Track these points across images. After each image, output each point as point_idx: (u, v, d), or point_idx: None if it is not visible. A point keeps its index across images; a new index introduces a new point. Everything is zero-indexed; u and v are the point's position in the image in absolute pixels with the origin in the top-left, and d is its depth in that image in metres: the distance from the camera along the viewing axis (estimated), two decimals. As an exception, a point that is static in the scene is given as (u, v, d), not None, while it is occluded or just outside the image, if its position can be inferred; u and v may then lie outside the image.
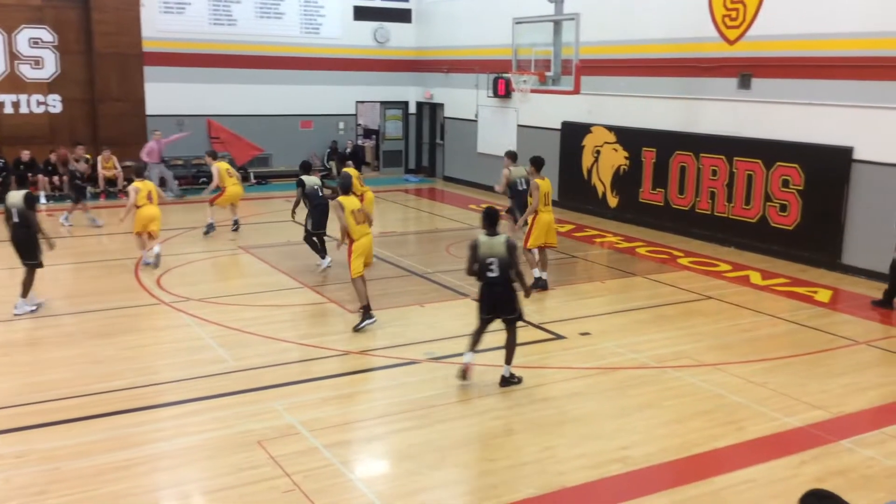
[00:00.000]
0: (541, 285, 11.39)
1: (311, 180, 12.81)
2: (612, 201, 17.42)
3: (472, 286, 11.70)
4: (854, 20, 12.57)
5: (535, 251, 11.62)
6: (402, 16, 23.82)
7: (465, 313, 10.63)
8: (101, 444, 6.66)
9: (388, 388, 8.11)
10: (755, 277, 12.69)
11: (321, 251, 12.70)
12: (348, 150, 22.84)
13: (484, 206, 8.42)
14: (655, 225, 16.22)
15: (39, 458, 6.44)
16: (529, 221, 11.47)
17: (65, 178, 18.20)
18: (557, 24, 14.58)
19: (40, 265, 10.36)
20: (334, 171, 22.68)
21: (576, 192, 18.22)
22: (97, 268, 12.57)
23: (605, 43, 16.76)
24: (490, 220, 7.99)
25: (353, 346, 9.24)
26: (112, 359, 8.69)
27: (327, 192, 12.77)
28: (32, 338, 9.43)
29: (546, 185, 11.51)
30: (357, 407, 7.63)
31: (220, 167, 15.12)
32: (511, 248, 7.84)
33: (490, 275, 7.85)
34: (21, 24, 19.09)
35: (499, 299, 7.93)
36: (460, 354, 8.86)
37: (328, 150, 23.00)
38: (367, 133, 25.60)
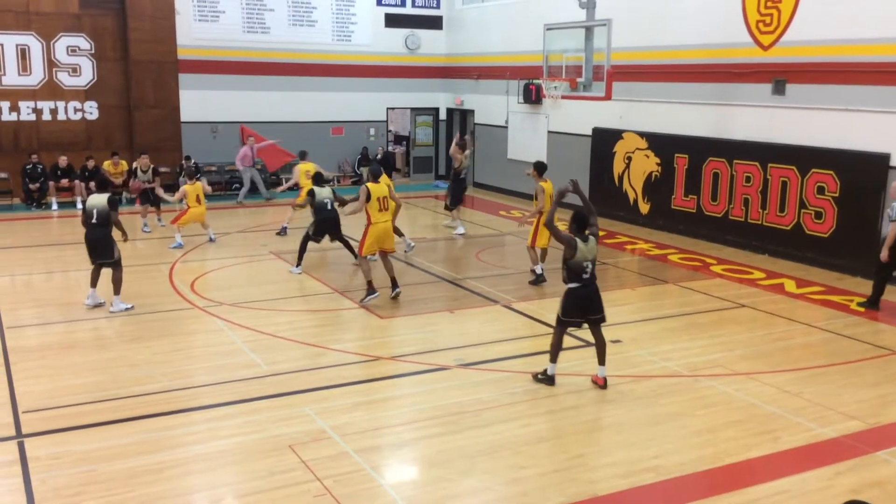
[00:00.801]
0: (542, 280, 12.17)
1: (323, 192, 12.87)
2: (644, 208, 17.31)
3: (503, 292, 11.78)
4: (891, 25, 12.38)
5: (539, 250, 12.36)
6: (433, 23, 23.91)
7: (495, 319, 10.65)
8: (136, 447, 6.75)
9: (418, 393, 8.12)
10: (790, 285, 12.53)
11: (300, 259, 12.88)
12: (378, 156, 22.94)
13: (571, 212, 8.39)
14: (688, 232, 16.09)
15: (75, 459, 6.53)
16: (535, 221, 12.21)
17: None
18: (589, 30, 14.53)
19: (117, 262, 10.68)
20: (365, 177, 22.80)
21: (607, 198, 18.12)
22: (132, 272, 12.69)
23: (638, 49, 16.68)
24: (582, 224, 8.05)
25: (384, 351, 9.27)
26: (146, 362, 8.81)
27: (338, 206, 12.79)
28: (68, 341, 9.58)
29: (550, 187, 11.99)
30: (387, 412, 7.65)
31: (301, 168, 15.62)
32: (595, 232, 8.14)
33: (585, 276, 7.93)
34: (59, 33, 19.46)
35: (592, 301, 8.03)
36: (490, 361, 8.90)
37: (359, 157, 23.13)
38: (398, 139, 25.71)
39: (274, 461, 6.52)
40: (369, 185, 10.74)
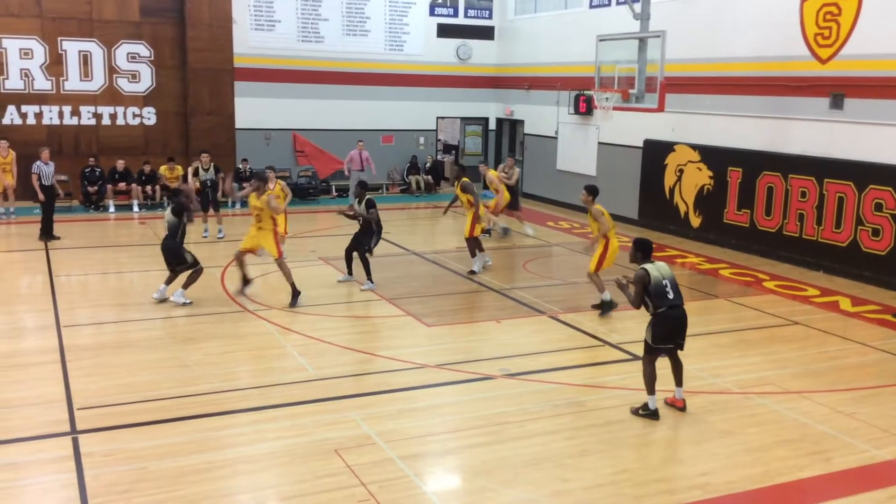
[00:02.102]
0: (613, 306, 11.23)
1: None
2: (695, 221, 17.09)
3: (549, 303, 11.73)
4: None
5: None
6: (485, 33, 23.98)
7: (541, 330, 10.61)
8: (185, 446, 6.88)
9: (463, 402, 8.13)
10: (845, 303, 12.25)
11: (348, 268, 12.74)
12: (428, 164, 23.07)
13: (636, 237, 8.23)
14: (740, 246, 15.84)
15: (127, 457, 6.68)
16: (600, 247, 11.12)
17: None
18: (642, 42, 14.44)
19: (189, 266, 11.32)
20: (414, 185, 22.93)
21: (657, 211, 17.95)
22: (184, 275, 12.95)
23: (691, 60, 16.51)
24: (647, 251, 7.87)
25: (430, 359, 9.30)
26: (197, 363, 8.97)
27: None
28: (123, 340, 9.80)
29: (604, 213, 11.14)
30: (432, 420, 7.66)
31: (495, 174, 16.47)
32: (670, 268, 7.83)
33: (669, 297, 7.57)
34: (120, 40, 19.99)
35: (681, 323, 7.66)
36: (536, 372, 8.87)
37: (408, 165, 23.27)
38: (447, 148, 25.79)
39: (319, 465, 6.58)
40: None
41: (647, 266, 7.67)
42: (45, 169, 15.96)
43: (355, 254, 12.48)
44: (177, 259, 11.32)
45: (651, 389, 7.69)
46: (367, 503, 6.00)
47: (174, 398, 7.94)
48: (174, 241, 11.27)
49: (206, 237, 16.04)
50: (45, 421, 7.36)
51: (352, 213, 12.68)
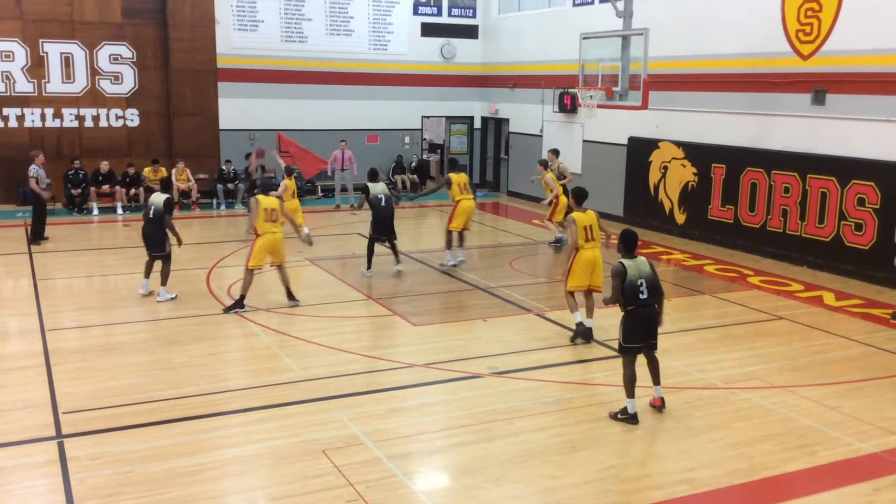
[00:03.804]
0: (581, 332, 9.91)
1: (377, 188, 12.97)
2: (680, 218, 17.17)
3: (536, 301, 11.75)
4: (935, 34, 12.19)
5: (578, 294, 10.06)
6: (469, 32, 23.99)
7: (529, 328, 10.63)
8: (172, 449, 6.85)
9: (451, 401, 8.13)
10: (828, 298, 12.34)
11: (394, 255, 13.34)
12: (413, 164, 23.06)
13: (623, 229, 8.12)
14: (724, 242, 15.92)
15: (113, 460, 6.64)
16: (570, 260, 9.99)
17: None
18: (626, 40, 14.48)
19: (167, 257, 11.58)
20: (399, 184, 22.92)
21: (642, 208, 18.02)
22: (170, 277, 12.90)
23: (675, 58, 16.58)
24: (630, 244, 7.76)
25: (417, 359, 9.30)
26: (184, 366, 8.93)
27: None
28: (108, 343, 9.74)
29: (586, 217, 9.99)
30: (420, 419, 7.66)
31: (551, 175, 15.52)
32: (652, 265, 7.71)
33: (642, 297, 7.51)
34: (102, 41, 19.85)
35: (651, 322, 7.59)
36: (523, 369, 8.88)
37: (393, 165, 23.26)
38: (432, 147, 25.80)
39: (307, 466, 6.57)
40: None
41: (626, 262, 7.61)
42: (41, 172, 15.90)
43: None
44: (157, 246, 11.54)
45: (630, 392, 7.54)
46: (356, 503, 6.00)
47: (161, 401, 7.90)
48: (157, 227, 11.47)
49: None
50: (30, 425, 7.31)
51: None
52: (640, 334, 7.55)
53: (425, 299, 12.05)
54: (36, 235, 15.52)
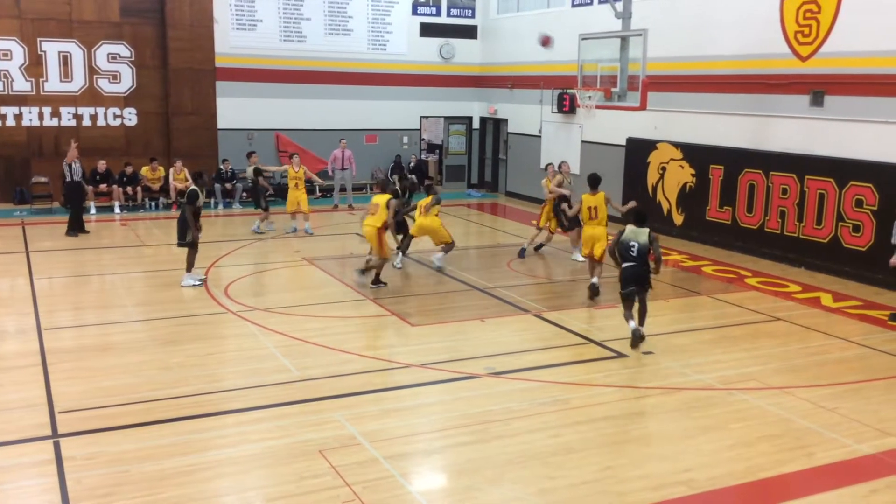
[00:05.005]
0: (590, 287, 12.18)
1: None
2: (678, 219, 17.16)
3: (534, 301, 11.74)
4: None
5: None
6: (468, 32, 23.98)
7: (526, 328, 10.62)
8: (168, 449, 6.83)
9: (448, 401, 8.12)
10: (826, 299, 12.34)
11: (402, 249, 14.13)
12: (412, 164, 23.03)
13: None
14: (722, 243, 15.92)
15: (108, 460, 6.62)
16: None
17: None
18: (624, 40, 14.47)
19: (188, 245, 12.17)
20: (396, 185, 22.86)
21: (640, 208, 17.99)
22: (168, 277, 12.91)
23: (673, 59, 16.58)
24: (640, 218, 9.88)
25: (414, 359, 9.28)
26: (180, 365, 8.91)
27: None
28: (104, 343, 9.72)
29: (594, 199, 12.36)
30: (416, 420, 7.65)
31: (547, 183, 15.12)
32: (653, 238, 9.66)
33: (632, 254, 9.63)
34: (100, 40, 19.82)
35: (640, 276, 9.63)
36: (521, 370, 8.88)
37: (392, 165, 23.23)
38: (431, 148, 25.77)
39: (303, 466, 6.55)
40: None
41: (629, 227, 9.80)
42: (74, 166, 16.41)
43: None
44: (180, 235, 12.21)
45: (628, 318, 9.79)
46: (352, 503, 5.98)
47: (157, 400, 7.87)
48: (181, 217, 12.16)
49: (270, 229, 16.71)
50: (25, 425, 7.29)
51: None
52: (630, 283, 9.65)
53: (423, 300, 12.03)
54: (71, 227, 16.24)
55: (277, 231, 16.70)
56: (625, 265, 9.72)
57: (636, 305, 9.81)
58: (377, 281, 12.31)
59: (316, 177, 18.40)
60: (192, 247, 12.23)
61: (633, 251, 9.63)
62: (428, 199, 13.78)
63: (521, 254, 14.82)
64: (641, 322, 9.77)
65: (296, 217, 16.65)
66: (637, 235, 9.68)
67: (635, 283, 9.65)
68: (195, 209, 12.18)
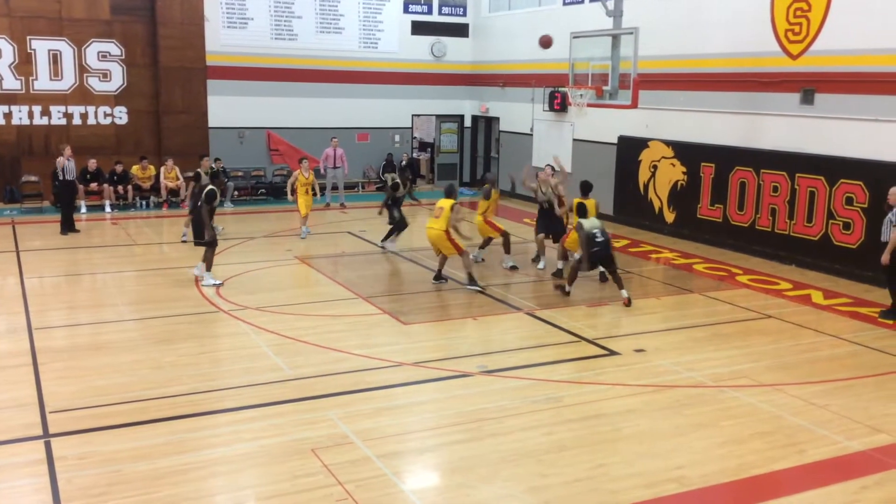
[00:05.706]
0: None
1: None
2: (669, 217, 17.21)
3: (526, 299, 11.77)
4: (923, 34, 12.25)
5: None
6: (459, 30, 23.98)
7: (518, 326, 10.64)
8: (161, 448, 6.82)
9: (440, 400, 8.13)
10: (817, 297, 12.40)
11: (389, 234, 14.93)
12: (403, 162, 23.02)
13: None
14: (713, 241, 15.97)
15: (101, 460, 6.61)
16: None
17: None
18: (616, 39, 14.49)
19: (206, 244, 12.24)
20: (389, 182, 22.84)
21: (632, 207, 18.06)
22: (159, 275, 12.88)
23: (664, 57, 16.62)
24: (585, 188, 12.62)
25: (407, 357, 9.29)
26: (172, 365, 8.89)
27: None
28: (96, 342, 9.69)
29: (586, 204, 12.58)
30: (409, 418, 7.65)
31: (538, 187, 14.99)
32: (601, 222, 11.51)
33: (597, 240, 11.25)
34: (91, 38, 19.73)
35: (606, 257, 11.49)
36: (513, 368, 8.90)
37: (383, 163, 23.23)
38: (423, 146, 25.77)
39: (296, 465, 6.55)
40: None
41: (582, 221, 11.40)
42: (67, 165, 16.36)
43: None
44: (198, 233, 12.32)
45: (570, 282, 11.85)
46: (345, 502, 5.98)
47: (149, 400, 7.86)
48: (199, 213, 12.25)
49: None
50: (16, 425, 7.26)
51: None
52: (597, 264, 11.56)
53: (415, 298, 12.04)
54: (64, 227, 16.22)
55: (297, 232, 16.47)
56: (592, 250, 11.22)
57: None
58: (472, 282, 12.40)
59: (315, 181, 18.16)
60: (211, 245, 12.27)
61: (597, 238, 11.23)
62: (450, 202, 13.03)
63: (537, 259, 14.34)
64: (621, 286, 11.43)
65: (307, 220, 16.40)
66: (592, 223, 11.38)
67: (602, 262, 11.46)
68: (211, 209, 12.32)
